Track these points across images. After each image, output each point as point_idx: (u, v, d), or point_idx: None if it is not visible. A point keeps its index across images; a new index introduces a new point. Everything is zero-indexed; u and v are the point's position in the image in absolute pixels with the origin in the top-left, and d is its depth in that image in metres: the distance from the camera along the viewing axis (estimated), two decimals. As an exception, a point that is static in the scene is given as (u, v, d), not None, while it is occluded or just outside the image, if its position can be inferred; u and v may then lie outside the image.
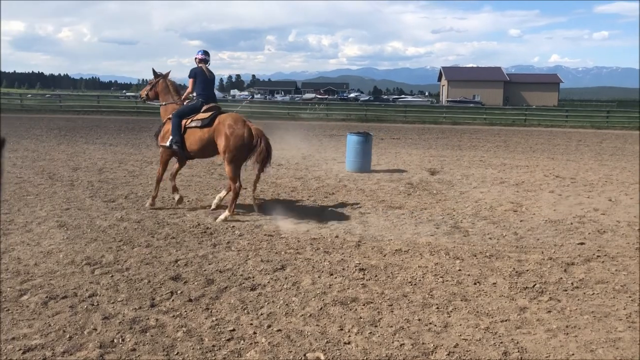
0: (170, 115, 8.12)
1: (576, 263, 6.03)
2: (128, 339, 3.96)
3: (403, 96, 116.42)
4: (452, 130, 28.70)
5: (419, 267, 5.78)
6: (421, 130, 28.10)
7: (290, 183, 10.87)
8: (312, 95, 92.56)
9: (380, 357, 3.80)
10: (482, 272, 5.65)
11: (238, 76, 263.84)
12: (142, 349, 3.83)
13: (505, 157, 16.50)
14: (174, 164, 8.73)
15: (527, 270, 5.73)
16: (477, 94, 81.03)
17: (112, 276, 5.28)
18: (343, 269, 5.66)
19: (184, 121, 7.96)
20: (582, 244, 6.85)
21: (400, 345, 3.97)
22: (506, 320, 4.46)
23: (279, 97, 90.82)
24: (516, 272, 5.68)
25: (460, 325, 4.35)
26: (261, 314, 4.48)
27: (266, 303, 4.72)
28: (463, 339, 4.10)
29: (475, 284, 5.32)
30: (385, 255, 6.18)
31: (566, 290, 5.19)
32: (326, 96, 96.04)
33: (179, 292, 4.92)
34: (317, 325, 4.30)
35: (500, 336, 4.16)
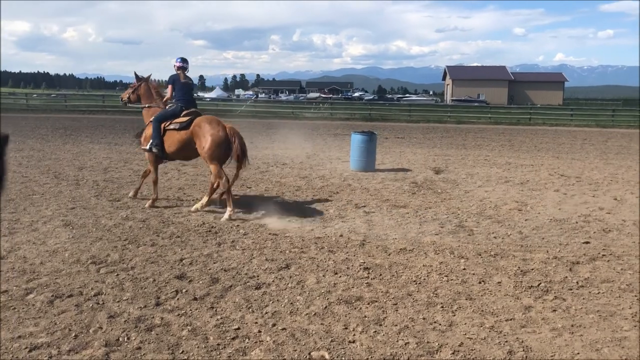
0: (152, 119, 8.40)
1: (581, 262, 6.02)
2: (133, 338, 3.97)
3: (407, 95, 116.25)
4: (457, 129, 28.65)
5: (423, 266, 5.78)
6: (426, 129, 28.07)
7: (294, 182, 10.88)
8: (316, 95, 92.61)
9: (385, 356, 3.80)
10: (486, 271, 5.64)
11: (242, 76, 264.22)
12: (147, 347, 3.85)
13: (510, 156, 16.47)
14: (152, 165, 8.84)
15: (532, 269, 5.72)
16: (482, 93, 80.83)
17: (117, 275, 5.30)
18: (347, 268, 5.66)
19: (163, 124, 8.25)
20: (587, 242, 6.84)
21: (405, 344, 3.97)
22: (511, 319, 4.45)
23: (283, 97, 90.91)
24: (521, 271, 5.67)
25: (465, 324, 4.35)
26: (266, 313, 4.48)
27: (271, 302, 4.73)
28: (468, 338, 4.09)
29: (480, 282, 5.31)
30: (389, 254, 6.18)
31: (571, 289, 5.17)
32: (330, 95, 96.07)
33: (184, 290, 4.93)
34: (321, 324, 4.30)
35: (505, 335, 4.15)
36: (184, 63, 8.60)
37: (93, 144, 17.06)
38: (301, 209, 8.42)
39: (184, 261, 5.78)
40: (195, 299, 4.76)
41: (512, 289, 5.16)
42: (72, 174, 11.22)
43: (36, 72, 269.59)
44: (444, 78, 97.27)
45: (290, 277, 5.37)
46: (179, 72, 8.56)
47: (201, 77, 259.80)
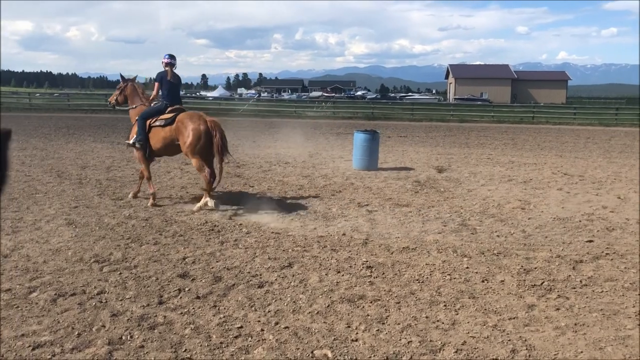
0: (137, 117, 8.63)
1: (585, 261, 6.00)
2: (136, 336, 3.97)
3: (410, 94, 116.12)
4: (460, 128, 28.61)
5: (426, 264, 5.77)
6: (428, 128, 28.04)
7: (297, 181, 10.88)
8: (319, 94, 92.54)
9: (388, 355, 3.79)
10: (489, 270, 5.63)
11: (245, 75, 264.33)
12: (150, 345, 3.85)
13: (513, 155, 16.44)
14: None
15: (535, 268, 5.71)
16: (485, 91, 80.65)
17: (120, 273, 5.31)
18: (350, 267, 5.66)
19: (148, 121, 8.43)
20: (590, 241, 6.82)
21: (408, 343, 3.97)
22: (514, 318, 4.44)
23: (286, 96, 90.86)
24: (524, 269, 5.66)
25: (468, 322, 4.34)
26: (269, 311, 4.48)
27: (273, 300, 4.73)
28: (471, 337, 4.08)
29: (483, 281, 5.30)
30: (392, 253, 6.17)
31: (575, 288, 5.16)
32: (333, 94, 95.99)
33: (186, 289, 4.94)
34: (324, 322, 4.30)
35: (508, 334, 4.14)
36: (171, 59, 8.73)
37: (96, 142, 17.09)
38: (304, 208, 8.42)
39: (186, 260, 5.78)
40: (198, 297, 4.76)
41: (515, 287, 5.15)
42: (75, 172, 11.24)
43: (39, 71, 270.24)
44: (446, 77, 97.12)
45: (293, 275, 5.37)
46: (166, 68, 8.68)
47: (203, 76, 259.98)
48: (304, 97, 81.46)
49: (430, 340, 4.01)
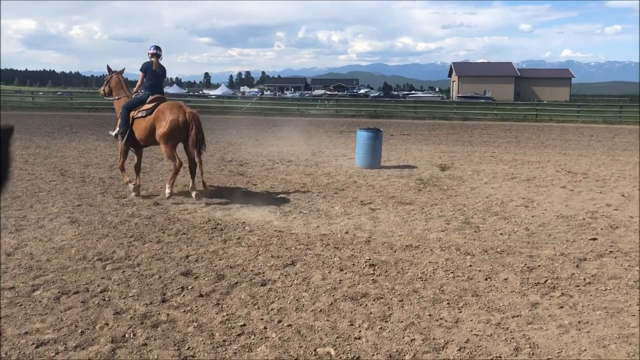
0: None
1: (588, 258, 5.98)
2: (139, 334, 3.98)
3: (413, 92, 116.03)
4: (463, 126, 28.56)
5: (429, 262, 5.76)
6: (431, 126, 27.99)
7: (300, 179, 10.88)
8: (321, 92, 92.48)
9: (391, 352, 3.79)
10: (493, 268, 5.62)
11: (248, 73, 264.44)
12: (153, 343, 3.85)
13: (516, 153, 16.40)
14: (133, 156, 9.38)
15: (539, 266, 5.69)
16: (488, 89, 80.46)
17: (123, 272, 5.31)
18: (353, 265, 5.65)
19: (132, 112, 8.68)
20: (594, 239, 6.80)
21: (411, 341, 3.96)
22: (518, 316, 4.43)
23: (288, 94, 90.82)
24: (528, 267, 5.64)
25: (471, 320, 4.33)
26: (272, 309, 4.48)
27: (276, 298, 4.73)
28: (474, 335, 4.08)
29: (486, 279, 5.29)
30: (395, 251, 6.16)
31: (578, 286, 5.15)
32: (336, 92, 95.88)
33: (189, 287, 4.94)
34: (327, 320, 4.30)
35: (511, 332, 4.14)
36: (157, 50, 8.98)
37: (99, 141, 17.10)
38: (306, 206, 8.42)
39: (189, 258, 5.79)
40: (201, 295, 4.76)
41: (518, 285, 5.13)
42: (78, 171, 11.26)
43: (42, 70, 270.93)
44: (450, 75, 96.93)
45: (296, 273, 5.37)
46: (152, 59, 8.94)
47: (206, 74, 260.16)
48: (306, 95, 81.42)
49: (434, 338, 4.01)
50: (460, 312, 4.50)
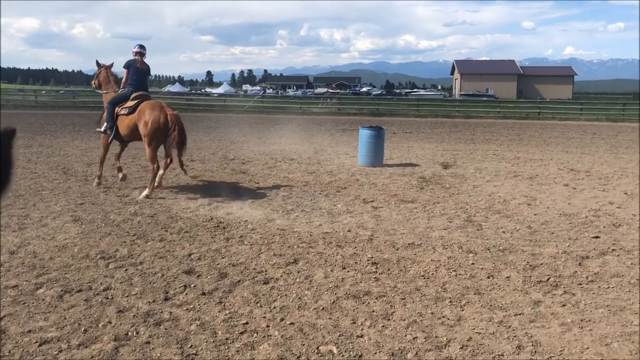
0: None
1: (591, 257, 5.98)
2: (142, 332, 3.99)
3: (415, 90, 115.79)
4: (465, 123, 28.52)
5: (431, 260, 5.76)
6: (434, 124, 27.96)
7: (302, 177, 10.88)
8: (324, 90, 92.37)
9: (393, 350, 3.79)
10: (495, 266, 5.62)
11: (250, 71, 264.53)
12: (156, 341, 3.86)
13: (519, 151, 16.38)
14: (117, 146, 9.82)
15: (541, 264, 5.69)
16: (490, 87, 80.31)
17: (126, 270, 5.33)
18: (355, 263, 5.66)
19: (116, 109, 8.94)
20: (597, 237, 6.79)
21: (413, 339, 3.97)
22: (520, 314, 4.43)
23: (291, 92, 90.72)
24: (530, 265, 5.64)
25: (474, 318, 4.33)
26: (274, 308, 4.49)
27: (279, 296, 4.74)
28: (476, 333, 4.08)
29: (488, 277, 5.29)
30: (397, 249, 6.16)
31: (581, 284, 5.14)
32: (338, 90, 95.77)
33: (192, 285, 4.95)
34: (329, 318, 4.30)
35: (514, 330, 4.14)
36: (141, 49, 9.29)
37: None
38: (309, 204, 8.42)
39: (192, 256, 5.80)
40: (204, 293, 4.77)
41: (521, 283, 5.13)
42: (80, 169, 11.28)
43: (45, 68, 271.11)
44: (452, 72, 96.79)
45: (298, 272, 5.37)
46: (136, 57, 9.22)
47: (209, 72, 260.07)
48: (309, 93, 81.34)
49: (436, 336, 4.01)
50: (463, 310, 4.50)
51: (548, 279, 5.24)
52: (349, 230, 6.93)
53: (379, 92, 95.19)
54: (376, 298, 4.73)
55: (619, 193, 9.72)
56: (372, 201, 8.74)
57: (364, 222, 7.38)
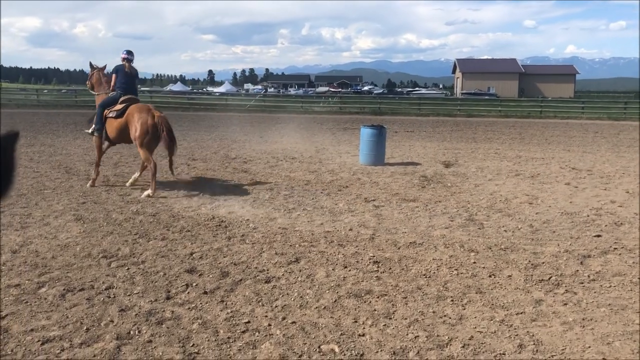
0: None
1: (593, 255, 5.98)
2: (144, 331, 4.00)
3: (417, 89, 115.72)
4: (467, 122, 28.50)
5: (433, 259, 5.76)
6: (435, 122, 27.94)
7: (304, 176, 10.88)
8: (325, 89, 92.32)
9: (395, 349, 3.80)
10: (497, 265, 5.62)
11: (251, 70, 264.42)
12: (158, 340, 3.87)
13: (520, 150, 16.36)
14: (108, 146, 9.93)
15: (543, 263, 5.69)
16: (492, 86, 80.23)
17: (128, 269, 5.34)
18: (357, 262, 5.66)
19: (105, 112, 9.15)
20: (598, 236, 6.78)
21: (415, 337, 3.97)
22: (521, 313, 4.43)
23: (292, 91, 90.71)
24: (532, 264, 5.64)
25: (475, 317, 4.34)
26: (276, 306, 4.49)
27: (281, 295, 4.74)
28: (478, 332, 4.08)
29: (490, 276, 5.29)
30: (399, 248, 6.17)
31: (582, 283, 5.14)
32: (339, 89, 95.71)
33: (194, 284, 4.96)
34: (331, 317, 4.31)
35: (515, 329, 4.14)
36: (129, 55, 9.53)
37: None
38: (310, 203, 8.43)
39: (194, 255, 5.80)
40: (206, 292, 4.78)
41: (522, 282, 5.13)
42: (83, 168, 11.29)
43: (47, 67, 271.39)
44: (453, 71, 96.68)
45: (300, 270, 5.38)
46: (124, 62, 9.46)
47: (210, 71, 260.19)
48: (310, 92, 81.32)
49: (437, 335, 4.01)
50: (464, 309, 4.51)
51: (550, 278, 5.24)
52: (351, 229, 6.93)
53: (381, 91, 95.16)
54: (378, 297, 4.73)
55: (621, 192, 9.71)
56: (374, 200, 8.74)
57: (366, 221, 7.38)
